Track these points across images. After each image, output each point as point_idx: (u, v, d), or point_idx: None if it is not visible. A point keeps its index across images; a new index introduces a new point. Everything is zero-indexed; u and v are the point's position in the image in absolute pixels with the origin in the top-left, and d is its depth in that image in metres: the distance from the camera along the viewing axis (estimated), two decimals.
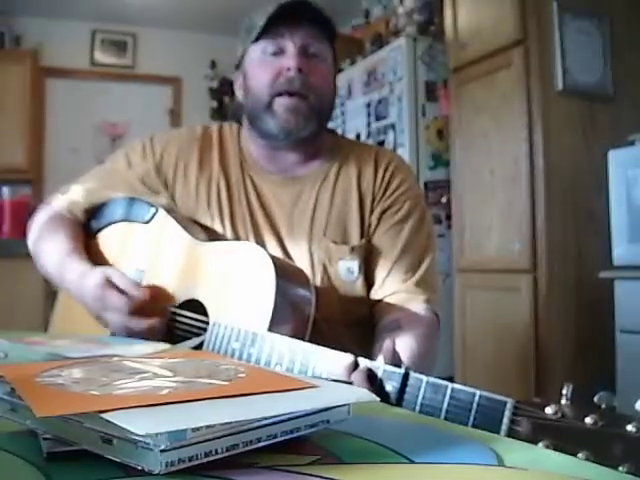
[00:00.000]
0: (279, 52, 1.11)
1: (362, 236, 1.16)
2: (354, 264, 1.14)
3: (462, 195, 2.93)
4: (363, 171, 1.18)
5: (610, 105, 2.64)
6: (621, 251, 2.26)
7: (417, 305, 1.11)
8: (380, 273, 1.15)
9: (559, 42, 2.56)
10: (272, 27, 1.10)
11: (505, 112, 2.68)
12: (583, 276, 2.52)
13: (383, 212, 1.16)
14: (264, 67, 1.12)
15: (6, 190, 4.18)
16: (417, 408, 0.67)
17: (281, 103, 1.10)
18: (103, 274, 1.07)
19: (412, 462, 0.45)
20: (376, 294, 1.15)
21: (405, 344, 0.97)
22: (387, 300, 1.13)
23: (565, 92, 2.56)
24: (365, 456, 0.46)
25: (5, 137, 4.21)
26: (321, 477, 0.41)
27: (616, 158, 2.30)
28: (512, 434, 0.60)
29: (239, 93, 1.21)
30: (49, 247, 1.23)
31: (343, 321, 1.14)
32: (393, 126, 3.22)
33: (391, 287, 1.14)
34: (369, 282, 1.16)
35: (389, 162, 1.20)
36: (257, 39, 1.12)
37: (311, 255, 1.14)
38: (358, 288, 1.15)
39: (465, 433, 0.55)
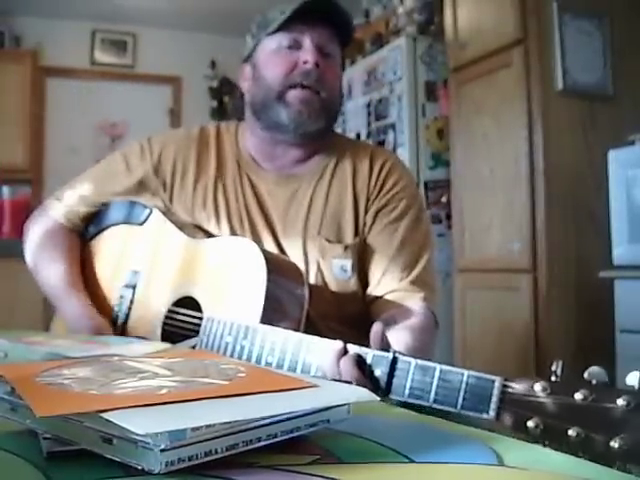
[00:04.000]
0: (295, 46, 1.12)
1: (356, 235, 1.16)
2: (347, 262, 1.14)
3: (462, 195, 2.93)
4: (358, 170, 1.18)
5: (610, 105, 2.64)
6: (621, 251, 2.26)
7: (413, 303, 1.12)
8: (376, 272, 1.15)
9: (559, 42, 2.56)
10: (291, 22, 1.12)
11: (505, 112, 2.68)
12: (583, 276, 2.51)
13: (378, 211, 1.16)
14: (279, 59, 1.13)
15: (6, 190, 4.18)
16: (406, 392, 0.67)
17: (295, 95, 1.11)
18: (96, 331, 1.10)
19: (412, 461, 0.45)
20: (372, 293, 1.15)
21: (400, 338, 0.97)
22: (384, 299, 1.13)
23: (565, 92, 2.56)
24: (365, 456, 0.46)
25: (5, 137, 4.21)
26: (321, 477, 0.41)
27: (616, 158, 2.30)
28: (501, 412, 0.59)
29: (244, 84, 1.21)
30: (46, 271, 1.24)
31: (338, 318, 1.14)
32: (393, 126, 3.22)
33: (387, 286, 1.14)
34: (364, 280, 1.16)
35: (385, 161, 1.20)
36: (274, 32, 1.13)
37: (305, 253, 1.14)
38: (352, 286, 1.15)
39: (465, 432, 0.55)
